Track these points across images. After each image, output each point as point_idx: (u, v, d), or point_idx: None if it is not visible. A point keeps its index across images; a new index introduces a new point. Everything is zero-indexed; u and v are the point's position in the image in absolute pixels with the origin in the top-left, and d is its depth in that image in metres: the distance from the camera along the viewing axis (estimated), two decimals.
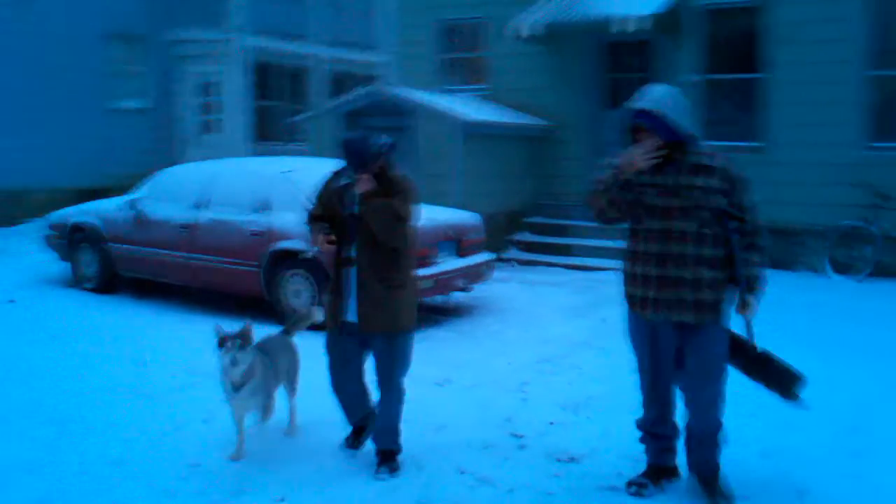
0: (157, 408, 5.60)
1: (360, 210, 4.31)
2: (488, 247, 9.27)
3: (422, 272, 7.77)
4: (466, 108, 12.12)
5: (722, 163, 3.79)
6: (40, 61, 15.68)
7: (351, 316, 4.40)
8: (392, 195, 4.29)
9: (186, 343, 7.31)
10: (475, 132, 11.62)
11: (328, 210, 4.48)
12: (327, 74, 20.19)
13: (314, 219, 4.54)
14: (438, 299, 8.82)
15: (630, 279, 3.98)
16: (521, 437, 5.04)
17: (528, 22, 12.29)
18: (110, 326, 8.10)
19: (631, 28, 11.29)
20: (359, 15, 21.63)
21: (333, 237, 4.40)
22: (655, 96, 3.74)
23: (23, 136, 15.21)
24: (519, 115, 13.00)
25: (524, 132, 12.83)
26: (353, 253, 4.38)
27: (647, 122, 3.68)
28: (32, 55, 15.58)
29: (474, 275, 8.62)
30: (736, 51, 11.91)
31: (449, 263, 8.25)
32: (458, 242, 8.54)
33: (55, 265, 10.65)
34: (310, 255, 4.65)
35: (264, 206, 8.35)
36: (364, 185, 4.27)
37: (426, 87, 13.44)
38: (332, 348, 4.56)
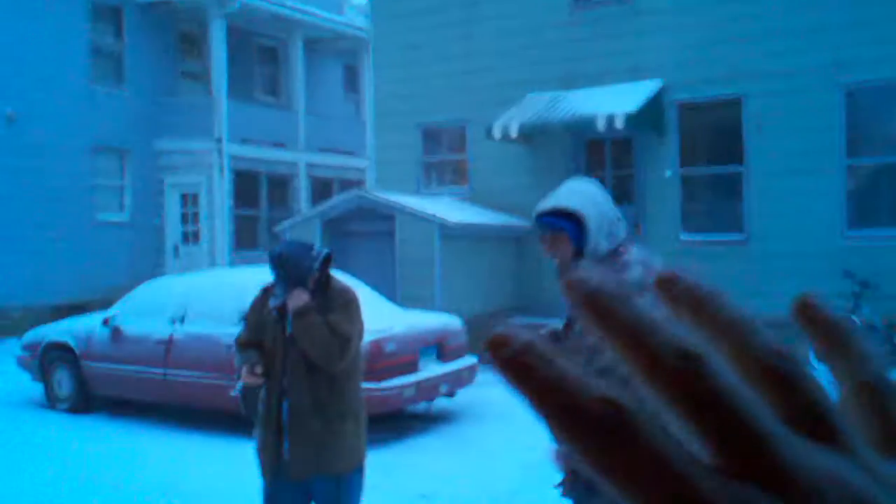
0: None
1: (293, 330, 3.74)
2: (471, 350, 9.12)
3: (404, 379, 7.62)
4: (447, 210, 12.14)
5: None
6: (22, 174, 15.75)
7: (287, 457, 3.75)
8: (331, 311, 3.76)
9: (163, 464, 7.06)
10: (455, 234, 11.61)
11: (258, 334, 3.88)
12: (310, 180, 20.37)
13: (242, 346, 3.92)
14: (422, 406, 8.62)
15: None
16: None
17: (515, 123, 12.43)
18: (79, 451, 7.83)
19: (618, 125, 11.43)
20: (341, 120, 22.00)
21: (261, 368, 3.78)
22: (576, 190, 2.99)
23: (5, 252, 15.14)
24: (500, 215, 13.03)
25: (505, 232, 12.83)
26: (286, 382, 3.76)
27: (563, 226, 2.91)
28: (14, 167, 15.65)
29: (458, 380, 8.45)
30: (715, 144, 12.07)
31: (431, 369, 8.09)
32: (440, 347, 8.39)
33: (32, 386, 10.41)
34: (234, 393, 3.79)
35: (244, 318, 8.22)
36: (297, 299, 3.73)
37: (407, 190, 13.51)
38: (270, 501, 3.83)
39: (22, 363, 10.14)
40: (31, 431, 8.70)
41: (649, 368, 0.24)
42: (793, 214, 11.05)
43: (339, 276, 4.07)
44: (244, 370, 3.80)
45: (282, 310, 3.83)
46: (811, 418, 0.25)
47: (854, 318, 10.26)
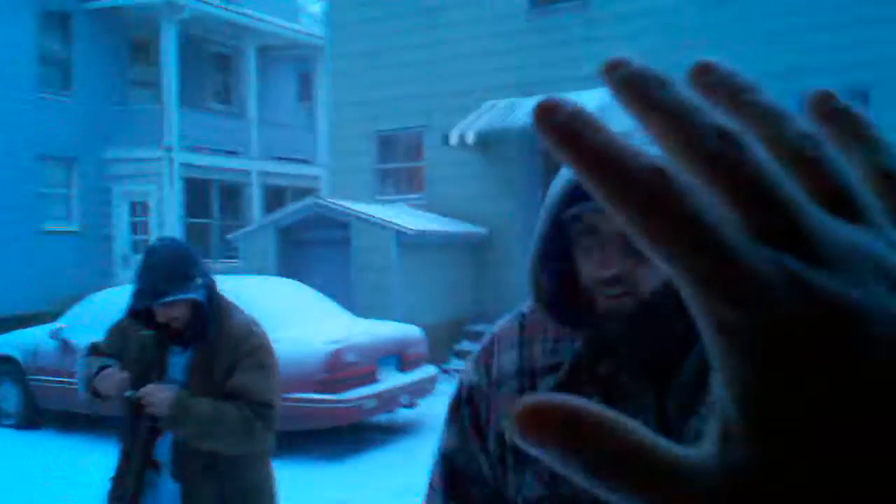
0: None
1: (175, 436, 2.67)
2: (431, 359, 9.01)
3: (364, 390, 7.48)
4: (404, 217, 12.03)
5: None
6: None
7: None
8: (232, 367, 2.68)
9: None
10: (413, 242, 11.50)
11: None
12: (264, 189, 20.11)
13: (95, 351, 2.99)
14: (382, 418, 8.47)
15: None
16: None
17: (472, 130, 12.36)
18: (25, 467, 7.56)
19: None
20: (295, 129, 21.79)
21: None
22: None
23: None
24: (457, 223, 12.95)
25: (463, 240, 12.75)
26: (162, 455, 2.71)
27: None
28: None
29: (418, 390, 8.32)
30: None
31: (392, 380, 7.95)
32: (400, 357, 8.26)
33: None
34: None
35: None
36: (159, 401, 2.59)
37: (363, 198, 13.37)
38: None
39: None
40: None
41: (688, 146, 0.25)
42: None
43: (237, 306, 2.91)
44: (112, 382, 2.73)
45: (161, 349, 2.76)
46: (839, 197, 0.26)
47: None
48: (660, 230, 0.24)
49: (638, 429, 0.25)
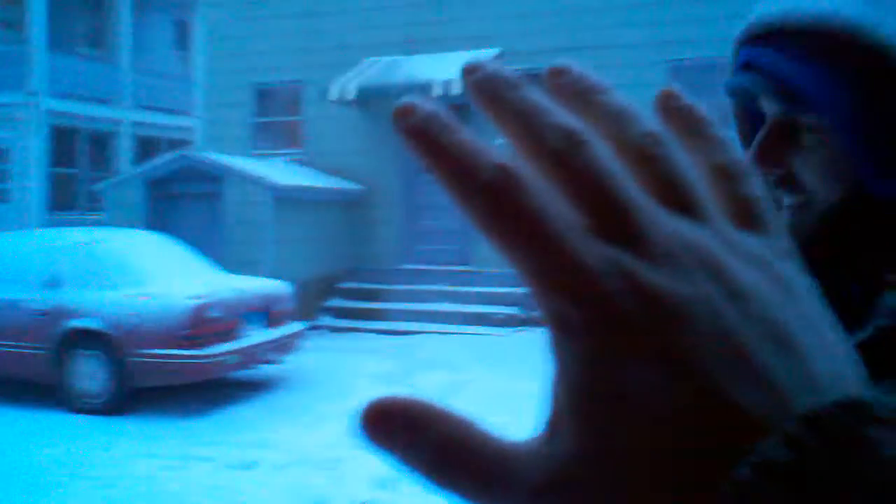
0: None
1: None
2: (301, 315, 8.96)
3: (227, 346, 7.38)
4: (279, 172, 11.84)
5: None
6: None
7: None
8: None
9: None
10: (287, 197, 11.34)
11: None
12: (135, 139, 19.40)
13: None
14: (245, 374, 8.39)
15: None
16: None
17: (346, 86, 12.21)
18: None
19: (455, 92, 11.41)
20: (172, 78, 21.06)
21: None
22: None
23: None
24: (334, 179, 12.84)
25: (339, 197, 12.66)
26: None
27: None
28: None
29: (284, 346, 8.27)
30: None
31: (256, 336, 7.87)
32: (266, 313, 8.17)
33: None
34: None
35: (54, 283, 7.74)
36: None
37: (239, 152, 13.07)
38: None
39: None
40: None
41: (534, 146, 0.26)
42: None
43: None
44: None
45: None
46: (675, 193, 0.27)
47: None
48: (502, 228, 0.25)
49: (472, 423, 0.26)
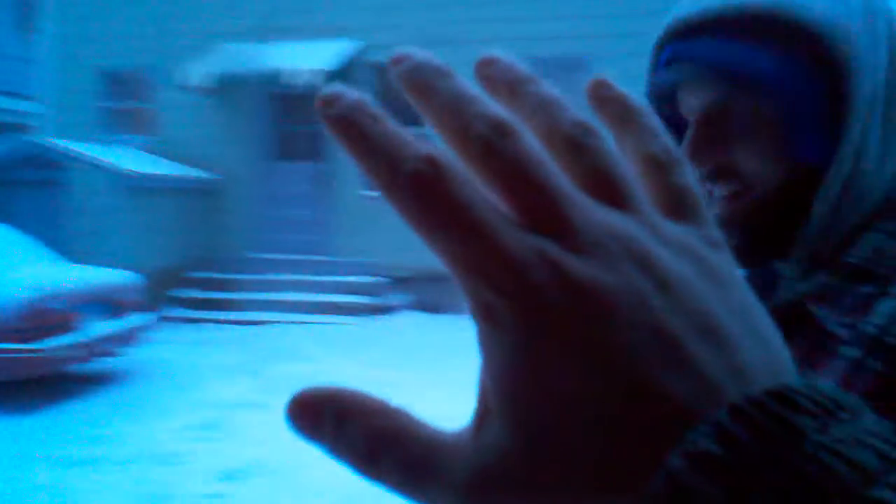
0: None
1: None
2: (150, 306, 8.73)
3: (65, 340, 7.12)
4: (128, 160, 11.46)
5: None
6: None
7: None
8: None
9: None
10: (136, 185, 11.00)
11: None
12: None
13: None
14: (88, 367, 8.12)
15: None
16: None
17: (199, 72, 11.92)
18: None
19: (312, 82, 11.31)
20: (12, 59, 19.97)
21: None
22: None
23: None
24: (185, 167, 12.52)
25: (191, 185, 12.36)
26: None
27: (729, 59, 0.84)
28: None
29: (130, 338, 8.04)
30: (405, 106, 12.30)
31: (99, 328, 7.61)
32: (111, 304, 7.92)
33: None
34: None
35: None
36: None
37: (86, 138, 12.55)
38: None
39: None
40: None
41: (460, 135, 0.26)
42: None
43: None
44: None
45: None
46: (604, 183, 0.27)
47: None
48: (428, 218, 0.25)
49: (404, 414, 0.26)
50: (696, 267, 0.26)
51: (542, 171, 0.26)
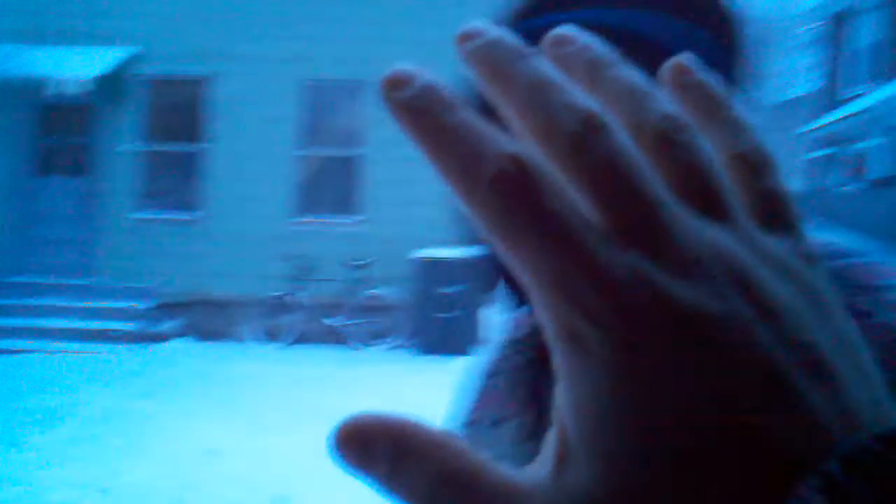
0: None
1: None
2: None
3: None
4: None
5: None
6: None
7: None
8: None
9: None
10: None
11: None
12: None
13: None
14: None
15: None
16: None
17: None
18: None
19: (77, 91, 10.83)
20: None
21: None
22: None
23: None
24: None
25: None
26: None
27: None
28: None
29: None
30: (179, 121, 12.11)
31: None
32: None
33: None
34: None
35: None
36: None
37: None
38: None
39: None
40: None
41: (547, 130, 0.23)
42: (249, 199, 11.58)
43: None
44: None
45: None
46: (699, 189, 0.24)
47: (295, 296, 11.21)
48: (512, 229, 0.22)
49: (468, 450, 0.23)
50: (799, 290, 0.24)
51: (639, 174, 0.23)
